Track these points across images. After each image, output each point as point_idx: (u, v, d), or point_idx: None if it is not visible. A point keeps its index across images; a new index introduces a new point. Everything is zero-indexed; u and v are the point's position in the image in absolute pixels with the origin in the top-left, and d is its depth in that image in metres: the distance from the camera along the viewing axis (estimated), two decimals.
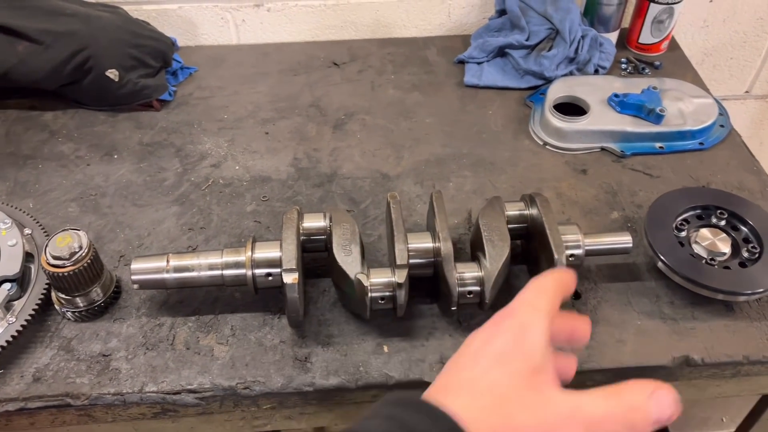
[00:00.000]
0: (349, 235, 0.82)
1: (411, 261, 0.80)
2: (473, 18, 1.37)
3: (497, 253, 0.79)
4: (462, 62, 1.29)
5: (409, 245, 0.81)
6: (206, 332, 0.84)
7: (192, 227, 0.97)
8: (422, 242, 0.82)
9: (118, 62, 1.12)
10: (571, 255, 0.81)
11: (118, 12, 1.20)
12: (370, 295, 0.78)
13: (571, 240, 0.82)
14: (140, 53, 1.14)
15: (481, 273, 0.79)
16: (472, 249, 0.88)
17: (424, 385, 0.78)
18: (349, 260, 0.80)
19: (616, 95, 1.10)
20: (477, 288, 0.79)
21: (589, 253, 0.83)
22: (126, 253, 0.93)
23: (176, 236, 0.96)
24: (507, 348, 0.48)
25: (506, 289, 0.83)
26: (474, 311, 0.84)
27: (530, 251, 0.87)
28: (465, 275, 0.79)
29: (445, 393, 0.47)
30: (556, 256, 0.78)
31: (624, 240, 0.85)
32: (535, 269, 0.86)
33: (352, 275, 0.78)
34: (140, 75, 1.15)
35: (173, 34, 1.32)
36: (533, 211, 0.85)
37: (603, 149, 1.09)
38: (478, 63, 1.27)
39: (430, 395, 0.47)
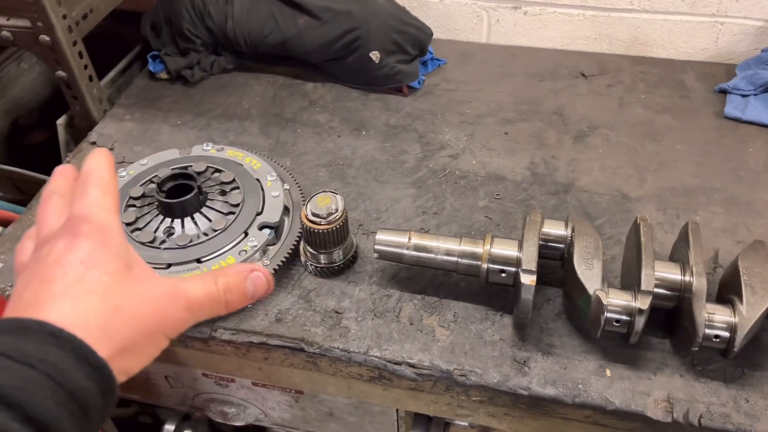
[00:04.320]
0: (593, 249, 0.80)
1: (655, 290, 0.76)
2: (744, 47, 1.26)
3: (757, 301, 0.73)
4: (724, 92, 1.20)
5: (656, 273, 0.77)
6: (430, 313, 0.87)
7: (426, 211, 1.01)
8: (670, 272, 0.78)
9: (382, 45, 1.19)
10: None
11: None
12: (606, 315, 0.75)
13: None
14: (402, 39, 1.21)
15: (735, 319, 0.73)
16: (720, 291, 0.82)
17: (646, 419, 0.75)
18: (589, 274, 0.78)
19: None
20: (726, 334, 0.73)
21: None
22: (365, 223, 0.99)
23: (411, 216, 1.00)
24: (95, 251, 0.47)
25: (752, 341, 0.77)
26: (711, 356, 0.78)
27: None
28: (715, 317, 0.74)
29: (41, 307, 0.43)
30: None
31: None
32: None
33: (590, 290, 0.76)
34: (397, 60, 1.21)
35: (429, 24, 1.37)
36: None
37: None
38: (743, 95, 1.17)
39: (25, 314, 0.43)
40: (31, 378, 0.38)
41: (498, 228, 0.98)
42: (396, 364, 0.81)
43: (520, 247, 0.81)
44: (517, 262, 0.80)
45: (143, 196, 0.95)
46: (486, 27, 1.37)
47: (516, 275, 0.80)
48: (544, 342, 0.82)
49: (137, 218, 0.91)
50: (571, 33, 1.33)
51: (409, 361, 0.81)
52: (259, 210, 0.93)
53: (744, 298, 0.73)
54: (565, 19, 1.32)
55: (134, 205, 0.94)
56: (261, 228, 0.91)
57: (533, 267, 0.77)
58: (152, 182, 0.97)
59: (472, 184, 1.05)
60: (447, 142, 1.14)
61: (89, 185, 0.53)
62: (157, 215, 0.92)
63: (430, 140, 1.15)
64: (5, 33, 1.09)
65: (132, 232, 0.90)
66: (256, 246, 0.88)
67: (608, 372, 0.79)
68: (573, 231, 0.83)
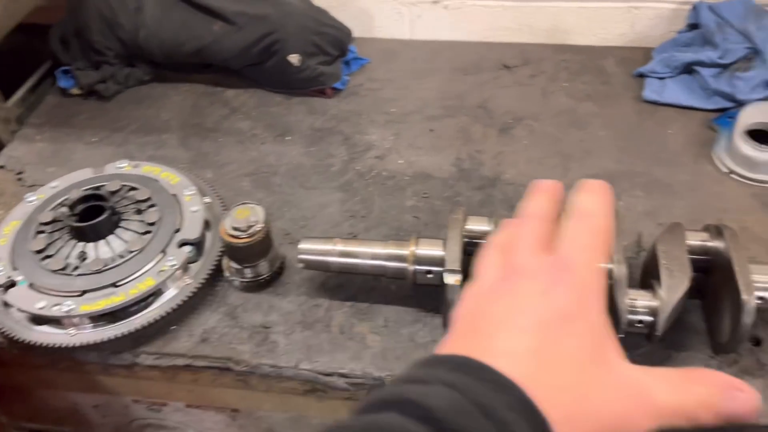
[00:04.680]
0: None
1: None
2: (659, 31, 1.28)
3: (675, 284, 0.74)
4: (642, 76, 1.22)
5: None
6: (360, 319, 0.85)
7: (354, 215, 0.99)
8: None
9: (301, 48, 1.16)
10: (761, 297, 0.74)
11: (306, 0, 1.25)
12: None
13: (762, 281, 0.74)
14: (321, 41, 1.18)
15: (656, 303, 0.74)
16: (643, 276, 0.83)
17: None
18: None
19: None
20: (649, 318, 0.74)
21: None
22: (291, 231, 0.97)
23: (338, 222, 0.98)
24: (572, 313, 0.39)
25: (676, 323, 0.78)
26: (639, 341, 0.79)
27: (709, 286, 0.81)
28: (637, 303, 0.74)
29: (504, 356, 0.37)
30: (744, 297, 0.71)
31: None
32: (713, 306, 0.80)
33: None
34: (319, 62, 1.19)
35: (349, 24, 1.35)
36: (719, 244, 0.78)
37: None
38: (661, 78, 1.19)
39: (483, 356, 0.37)
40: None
41: (426, 227, 0.97)
42: (327, 375, 0.80)
43: (445, 246, 0.80)
44: (441, 262, 0.79)
45: (54, 221, 0.90)
46: (408, 23, 1.36)
47: (442, 275, 0.79)
48: None
49: (48, 245, 0.87)
50: (492, 24, 1.33)
51: (341, 371, 0.80)
52: (178, 227, 0.90)
53: (663, 282, 0.74)
54: (485, 11, 1.32)
55: (44, 231, 0.89)
56: (181, 245, 0.88)
57: (457, 266, 0.76)
58: (63, 205, 0.92)
59: (400, 184, 1.04)
60: (373, 142, 1.13)
61: (583, 225, 0.46)
62: (69, 240, 0.88)
63: (356, 142, 1.13)
64: None
65: (42, 260, 0.85)
66: (175, 265, 0.85)
67: None
68: (496, 226, 0.83)
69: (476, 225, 0.85)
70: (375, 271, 0.84)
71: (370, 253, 0.83)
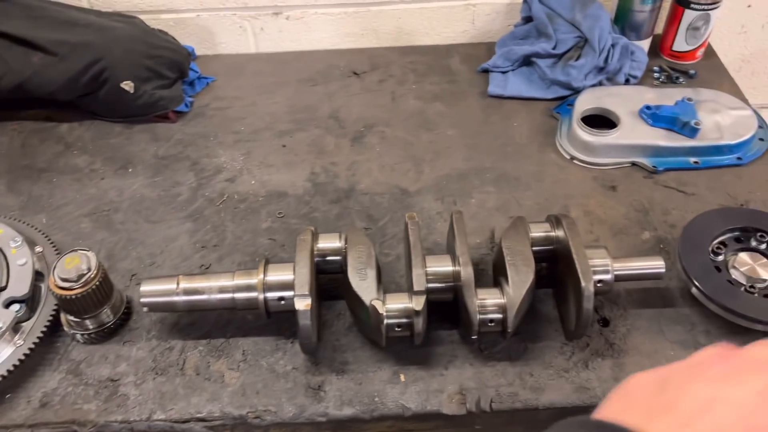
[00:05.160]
0: (365, 258, 0.79)
1: (430, 285, 0.76)
2: (498, 25, 1.32)
3: (521, 279, 0.75)
4: (486, 71, 1.25)
5: (428, 269, 0.77)
6: (217, 357, 0.81)
7: (205, 245, 0.94)
8: (441, 266, 0.79)
9: (133, 73, 1.10)
10: (600, 281, 0.76)
11: (134, 22, 1.18)
12: (385, 322, 0.74)
13: (600, 265, 0.77)
14: (156, 64, 1.12)
15: (504, 300, 0.75)
16: (494, 272, 0.84)
17: (443, 417, 0.74)
18: (364, 285, 0.76)
19: (648, 107, 1.05)
20: (499, 316, 0.75)
21: (619, 279, 0.78)
22: (138, 271, 0.91)
23: (189, 254, 0.93)
24: (751, 404, 0.37)
25: (530, 315, 0.79)
26: (496, 338, 0.80)
27: (556, 275, 0.83)
28: (487, 302, 0.75)
29: None
30: (583, 283, 0.73)
31: (656, 265, 0.80)
32: (561, 293, 0.82)
33: (367, 301, 0.75)
34: (156, 86, 1.13)
35: (191, 42, 1.29)
36: (559, 233, 0.81)
37: (634, 164, 1.04)
38: (503, 72, 1.22)
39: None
40: None
41: (283, 249, 0.94)
42: (183, 422, 0.75)
43: (294, 270, 0.77)
44: (292, 286, 0.77)
45: None
46: (252, 37, 1.32)
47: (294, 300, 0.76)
48: (338, 360, 0.80)
49: None
50: (338, 32, 1.32)
51: (198, 415, 0.75)
52: (3, 284, 0.81)
53: (509, 278, 0.75)
54: (328, 19, 1.30)
55: None
56: (8, 305, 0.80)
57: (306, 290, 0.74)
58: None
59: (253, 206, 1.00)
60: (223, 164, 1.08)
61: None
62: None
63: (205, 166, 1.08)
64: None
65: None
66: (1, 327, 0.77)
67: (402, 377, 0.78)
68: (347, 242, 0.81)
69: (327, 243, 0.83)
70: (225, 305, 0.80)
71: (216, 287, 0.79)
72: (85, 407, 0.76)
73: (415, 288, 0.74)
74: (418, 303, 0.73)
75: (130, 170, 1.07)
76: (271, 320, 0.83)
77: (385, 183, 1.04)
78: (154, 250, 0.94)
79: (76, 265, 0.77)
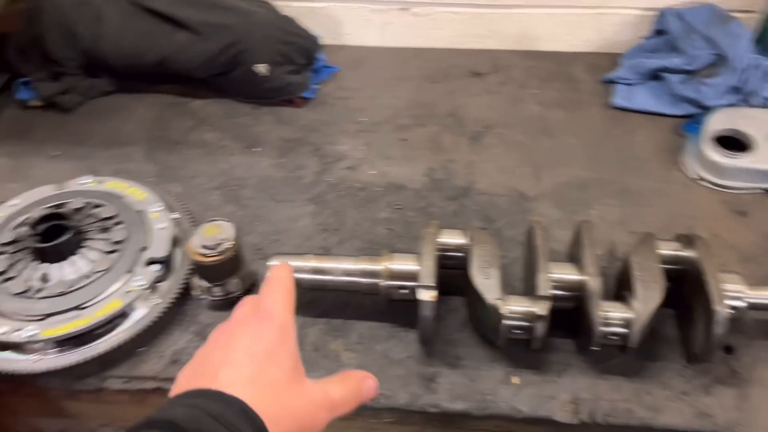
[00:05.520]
0: (489, 258, 0.79)
1: (553, 292, 0.76)
2: (626, 36, 1.29)
3: (649, 295, 0.74)
4: (611, 82, 1.22)
5: (552, 275, 0.77)
6: (334, 337, 0.84)
7: (326, 228, 0.98)
8: (566, 273, 0.78)
9: (267, 57, 1.14)
10: (732, 307, 0.74)
11: (271, 8, 1.23)
12: (505, 323, 0.75)
13: (733, 290, 0.75)
14: (289, 50, 1.17)
15: (630, 314, 0.74)
16: (617, 287, 0.83)
17: (553, 423, 0.75)
18: (487, 284, 0.77)
19: None
20: (623, 330, 0.74)
21: (753, 307, 0.76)
22: (263, 246, 0.95)
23: (311, 235, 0.97)
24: (275, 347, 0.55)
25: (649, 334, 0.78)
26: (613, 352, 0.79)
27: (682, 296, 0.81)
28: (611, 315, 0.74)
29: (237, 387, 0.51)
30: (715, 307, 0.71)
31: None
32: (686, 315, 0.80)
33: (489, 300, 0.76)
34: (286, 71, 1.17)
35: (318, 31, 1.33)
36: (690, 254, 0.79)
37: (767, 191, 1.00)
38: (629, 84, 1.20)
39: (219, 383, 0.51)
40: None
41: (400, 239, 0.96)
42: None
43: (419, 261, 0.79)
44: (415, 277, 0.79)
45: (15, 241, 0.87)
46: (376, 30, 1.35)
47: (417, 291, 0.78)
48: (451, 354, 0.81)
49: (9, 266, 0.84)
50: (461, 31, 1.33)
51: None
52: (145, 245, 0.87)
53: (637, 293, 0.74)
54: (454, 17, 1.31)
55: (4, 253, 0.86)
56: (148, 264, 0.85)
57: (432, 282, 0.75)
58: (24, 225, 0.89)
59: (372, 196, 1.03)
60: (345, 153, 1.11)
61: (276, 287, 0.60)
62: (31, 261, 0.85)
63: (327, 152, 1.11)
64: None
65: (3, 282, 0.82)
66: (143, 285, 0.82)
67: (515, 380, 0.78)
68: (471, 240, 0.82)
69: (450, 238, 0.84)
70: (348, 288, 0.83)
71: (342, 269, 0.82)
72: None
73: (540, 292, 0.74)
74: (542, 308, 0.73)
75: (256, 149, 1.12)
76: (387, 307, 0.86)
77: (503, 185, 1.04)
78: (278, 228, 0.98)
79: (215, 234, 0.82)
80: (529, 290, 0.80)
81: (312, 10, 1.32)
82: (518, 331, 0.75)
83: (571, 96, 1.22)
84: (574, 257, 0.82)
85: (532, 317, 0.74)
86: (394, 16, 1.32)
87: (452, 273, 0.86)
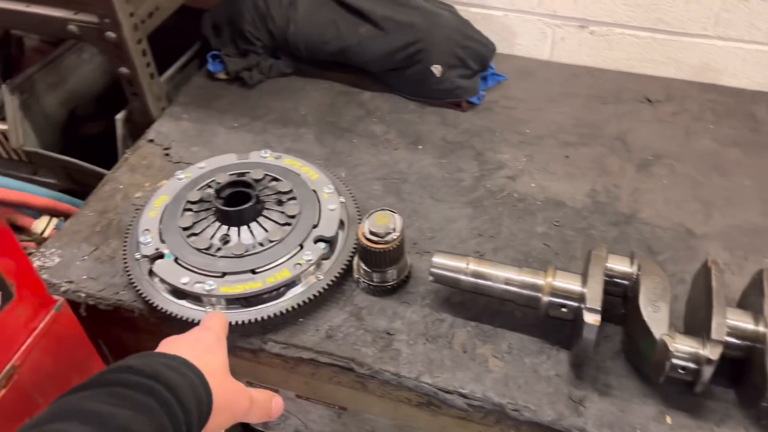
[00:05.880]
0: (660, 291, 0.77)
1: (726, 338, 0.73)
2: None
3: None
4: None
5: (729, 321, 0.74)
6: (483, 341, 0.85)
7: (482, 233, 0.99)
8: (741, 321, 0.75)
9: (444, 59, 1.17)
10: None
11: (454, 11, 1.25)
12: (671, 361, 0.72)
13: None
14: (465, 54, 1.18)
15: None
16: None
17: None
18: (656, 317, 0.75)
19: None
20: None
21: None
22: (419, 242, 0.98)
23: (466, 238, 0.98)
24: (212, 346, 0.70)
25: None
26: None
27: None
28: None
29: (198, 360, 0.65)
30: None
31: None
32: None
33: (656, 334, 0.74)
34: (458, 75, 1.19)
35: (491, 39, 1.34)
36: None
37: None
38: None
39: (186, 355, 0.65)
40: (187, 382, 0.61)
41: (557, 257, 0.95)
42: (447, 392, 0.80)
43: (584, 282, 0.79)
44: (580, 298, 0.78)
45: (201, 201, 0.94)
46: (549, 44, 1.34)
47: (578, 312, 0.78)
48: (601, 381, 0.80)
49: (194, 223, 0.91)
50: (637, 55, 1.30)
51: (461, 390, 0.79)
52: (315, 223, 0.92)
53: None
54: (633, 40, 1.28)
55: (191, 210, 0.93)
56: (316, 241, 0.90)
57: (598, 306, 0.75)
58: (209, 187, 0.97)
59: (530, 209, 1.03)
60: (505, 162, 1.12)
61: (216, 316, 0.77)
62: (213, 222, 0.92)
63: (488, 159, 1.12)
64: (72, 27, 1.10)
65: (188, 237, 0.89)
66: (311, 260, 0.87)
67: (668, 419, 0.76)
68: (639, 269, 0.80)
69: (616, 264, 0.83)
70: (505, 296, 0.83)
71: (503, 277, 0.82)
72: (363, 350, 0.84)
73: (714, 336, 0.71)
74: (713, 352, 0.71)
75: (419, 147, 1.15)
76: (537, 322, 0.86)
77: (669, 218, 1.00)
78: (435, 226, 1.00)
79: (385, 223, 0.85)
80: (691, 331, 0.77)
81: (488, 16, 1.33)
82: (682, 371, 0.73)
83: (751, 136, 1.16)
84: (748, 305, 0.78)
85: (701, 360, 0.71)
86: (571, 32, 1.31)
87: (609, 299, 0.85)
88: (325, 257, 0.90)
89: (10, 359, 0.66)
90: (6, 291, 0.64)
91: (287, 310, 0.85)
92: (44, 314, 0.70)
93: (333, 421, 0.99)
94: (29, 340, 0.68)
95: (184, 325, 0.85)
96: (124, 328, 0.95)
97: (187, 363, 0.63)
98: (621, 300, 0.85)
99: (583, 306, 0.75)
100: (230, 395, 0.66)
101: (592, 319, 0.74)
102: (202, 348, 0.68)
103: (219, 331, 0.74)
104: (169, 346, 0.68)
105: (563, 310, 0.80)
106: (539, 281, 0.81)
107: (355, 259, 0.91)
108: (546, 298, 0.80)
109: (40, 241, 1.17)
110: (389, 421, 0.93)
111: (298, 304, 0.86)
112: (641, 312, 0.76)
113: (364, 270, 0.90)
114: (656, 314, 0.75)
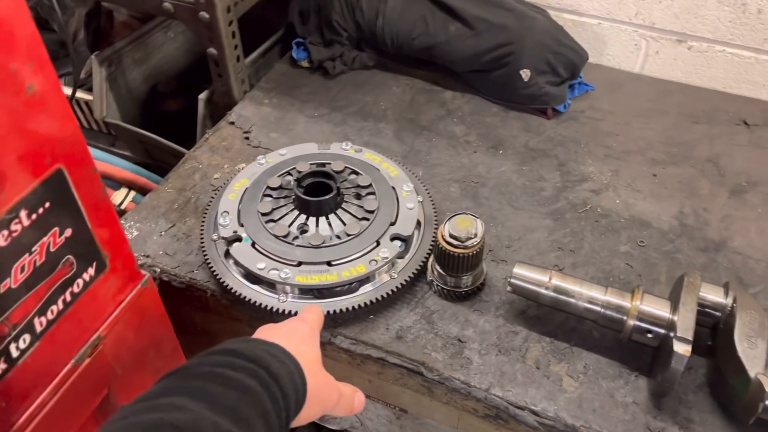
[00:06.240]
0: (757, 327, 0.73)
1: None
2: None
3: None
4: None
5: None
6: (558, 359, 0.82)
7: (562, 247, 0.96)
8: None
9: (534, 64, 1.14)
10: None
11: (548, 15, 1.21)
12: (765, 403, 0.68)
13: None
14: (556, 60, 1.15)
15: None
16: None
17: None
18: (751, 354, 0.71)
19: None
20: None
21: None
22: (495, 249, 0.95)
23: (544, 250, 0.95)
24: (306, 337, 0.70)
25: None
26: None
27: None
28: None
29: (293, 350, 0.65)
30: None
31: None
32: None
33: (751, 372, 0.69)
34: (547, 81, 1.16)
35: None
36: None
37: None
38: None
39: (282, 343, 0.65)
40: (286, 370, 0.61)
41: (640, 279, 0.91)
42: (518, 408, 0.77)
43: (674, 309, 0.75)
44: (668, 325, 0.74)
45: (280, 187, 0.94)
46: (642, 57, 1.29)
47: (665, 339, 0.74)
48: (682, 415, 0.76)
49: (273, 209, 0.91)
50: (736, 76, 1.23)
51: (533, 407, 0.77)
52: (393, 220, 0.90)
53: None
54: (734, 60, 1.22)
55: (271, 196, 0.93)
56: (393, 239, 0.89)
57: (689, 335, 0.71)
58: (290, 174, 0.96)
59: (614, 226, 0.99)
60: (589, 174, 1.08)
61: (311, 309, 0.77)
62: (292, 210, 0.91)
63: (571, 170, 1.09)
64: (167, 5, 1.11)
65: (267, 222, 0.89)
66: (387, 257, 0.86)
67: None
68: (735, 301, 0.76)
69: (710, 293, 0.78)
70: (586, 315, 0.80)
71: (587, 295, 0.79)
72: (433, 355, 0.82)
73: None
74: None
75: (500, 152, 1.12)
76: (615, 345, 0.82)
77: (763, 249, 0.95)
78: (512, 234, 0.97)
79: (466, 228, 0.83)
80: None
81: (581, 24, 1.29)
82: None
83: None
84: None
85: None
86: (667, 46, 1.26)
87: (699, 330, 0.80)
88: (399, 256, 0.89)
89: (98, 329, 0.67)
90: (100, 262, 0.64)
91: (359, 305, 0.84)
92: (132, 287, 0.71)
93: (391, 422, 0.97)
94: (116, 312, 0.69)
95: (254, 310, 0.85)
96: (194, 308, 0.96)
97: (285, 351, 0.64)
98: (709, 331, 0.80)
99: (672, 334, 0.72)
100: (322, 387, 0.67)
101: (682, 349, 0.70)
102: (297, 338, 0.68)
103: (314, 323, 0.74)
104: (266, 333, 0.69)
105: (648, 335, 0.76)
106: (625, 303, 0.77)
107: (430, 261, 0.89)
108: (631, 322, 0.76)
109: (118, 213, 1.19)
110: (450, 429, 0.91)
111: (371, 301, 0.84)
112: (736, 347, 0.71)
113: (438, 273, 0.87)
114: (752, 351, 0.71)
